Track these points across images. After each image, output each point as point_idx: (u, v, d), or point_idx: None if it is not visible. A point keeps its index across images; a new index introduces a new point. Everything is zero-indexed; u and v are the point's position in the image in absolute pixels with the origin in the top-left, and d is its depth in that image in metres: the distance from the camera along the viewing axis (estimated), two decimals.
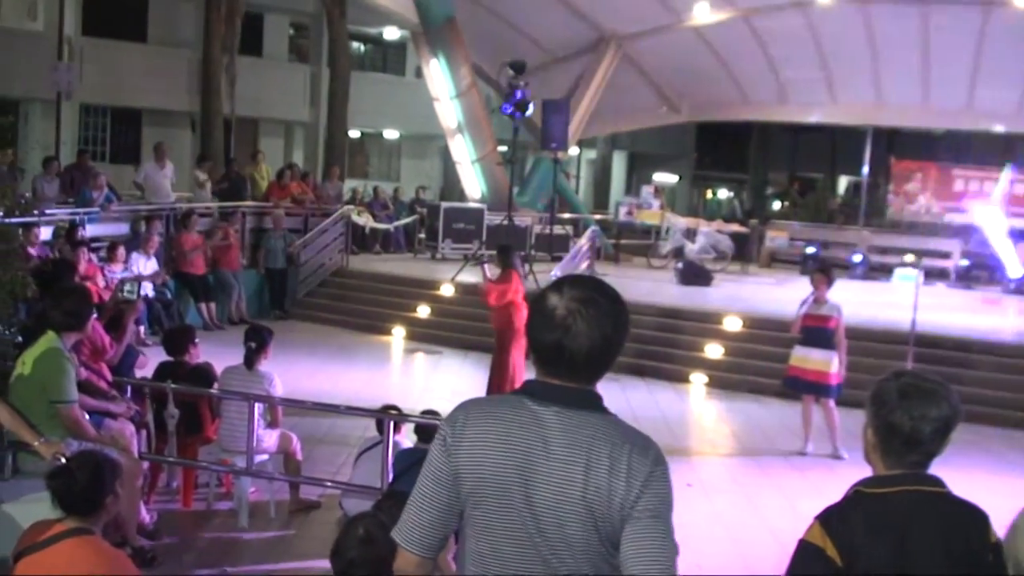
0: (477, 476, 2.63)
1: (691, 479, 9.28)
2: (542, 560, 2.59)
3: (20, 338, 6.41)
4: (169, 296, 14.80)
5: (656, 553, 2.54)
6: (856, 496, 2.87)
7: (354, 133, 30.61)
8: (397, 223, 21.52)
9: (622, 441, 2.60)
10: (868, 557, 2.72)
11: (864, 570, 2.72)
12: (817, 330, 9.99)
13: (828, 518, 2.82)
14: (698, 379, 13.73)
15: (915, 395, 2.81)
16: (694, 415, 12.60)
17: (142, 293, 9.23)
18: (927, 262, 21.14)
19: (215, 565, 6.64)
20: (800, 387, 10.24)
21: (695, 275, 18.69)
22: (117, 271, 13.31)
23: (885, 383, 2.90)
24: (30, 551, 3.99)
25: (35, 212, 11.30)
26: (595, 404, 2.66)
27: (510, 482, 2.59)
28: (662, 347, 14.31)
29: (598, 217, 24.65)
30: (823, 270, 10.59)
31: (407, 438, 7.29)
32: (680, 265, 19.29)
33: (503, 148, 22.83)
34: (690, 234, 21.63)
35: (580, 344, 2.59)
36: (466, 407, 2.74)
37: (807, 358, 10.04)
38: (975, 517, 2.84)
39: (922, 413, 2.79)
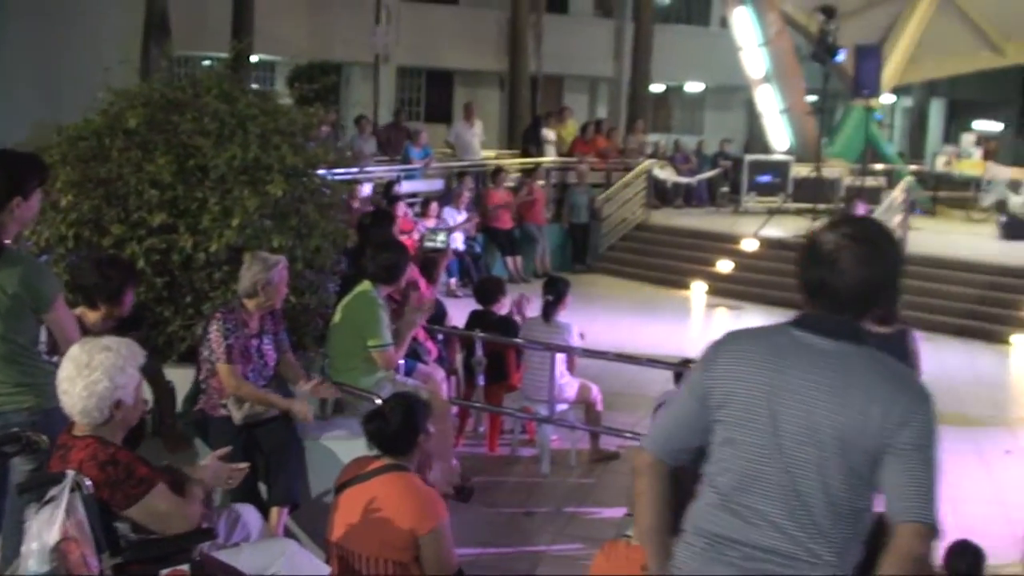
0: (728, 390, 2.72)
1: (1010, 446, 8.74)
2: (786, 473, 2.62)
3: (340, 287, 6.85)
4: (478, 250, 15.37)
5: (919, 484, 2.55)
6: None
7: (658, 87, 30.47)
8: (699, 176, 21.29)
9: (883, 372, 2.62)
10: None
11: None
12: None
13: None
14: (1021, 340, 12.82)
15: None
16: (1016, 379, 11.81)
17: (451, 244, 9.64)
18: None
19: (519, 506, 6.90)
20: None
21: (1019, 229, 17.37)
22: (430, 225, 13.93)
23: None
24: (352, 483, 4.27)
25: (356, 169, 11.97)
26: (859, 336, 2.68)
27: (759, 398, 2.66)
28: (982, 306, 13.47)
29: (914, 168, 23.37)
30: None
31: None
32: (1003, 219, 18.03)
33: (811, 97, 22.07)
34: (1015, 186, 20.13)
35: (845, 280, 2.63)
36: (732, 333, 2.87)
37: None
38: None
39: None
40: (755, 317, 14.17)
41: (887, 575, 2.56)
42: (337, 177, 8.02)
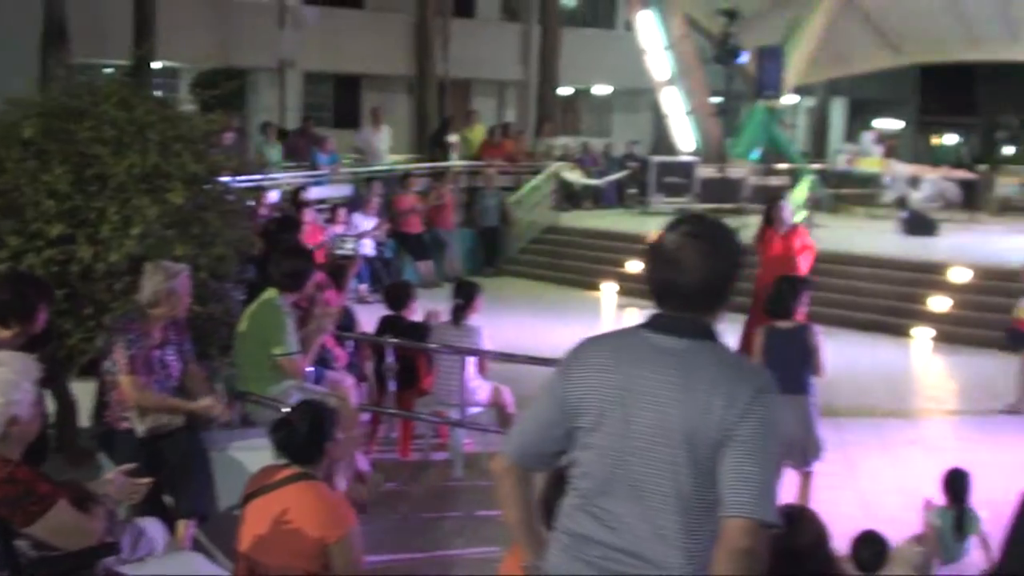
0: (583, 396, 2.75)
1: (912, 437, 8.97)
2: (640, 474, 2.67)
3: (246, 295, 6.77)
4: (388, 255, 15.30)
5: (750, 479, 2.58)
6: None
7: (567, 90, 30.65)
8: (608, 178, 21.47)
9: (727, 367, 2.68)
10: None
11: None
12: None
13: None
14: (923, 333, 13.16)
15: None
16: (918, 371, 12.12)
17: (360, 252, 9.63)
18: None
19: (431, 512, 6.88)
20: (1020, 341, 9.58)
21: (920, 225, 17.87)
22: (339, 232, 13.83)
23: None
24: (260, 493, 4.22)
25: (262, 175, 11.86)
26: (706, 333, 2.74)
27: (613, 402, 2.70)
28: (884, 300, 13.81)
29: (816, 166, 23.86)
30: None
31: None
32: (904, 215, 18.50)
33: (716, 99, 22.41)
34: (914, 182, 20.69)
35: (688, 278, 2.70)
36: (588, 339, 2.90)
37: None
38: None
39: None
40: None
41: (716, 572, 2.60)
42: (242, 184, 7.95)
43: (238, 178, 7.61)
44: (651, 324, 2.79)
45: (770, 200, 10.99)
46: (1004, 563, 2.74)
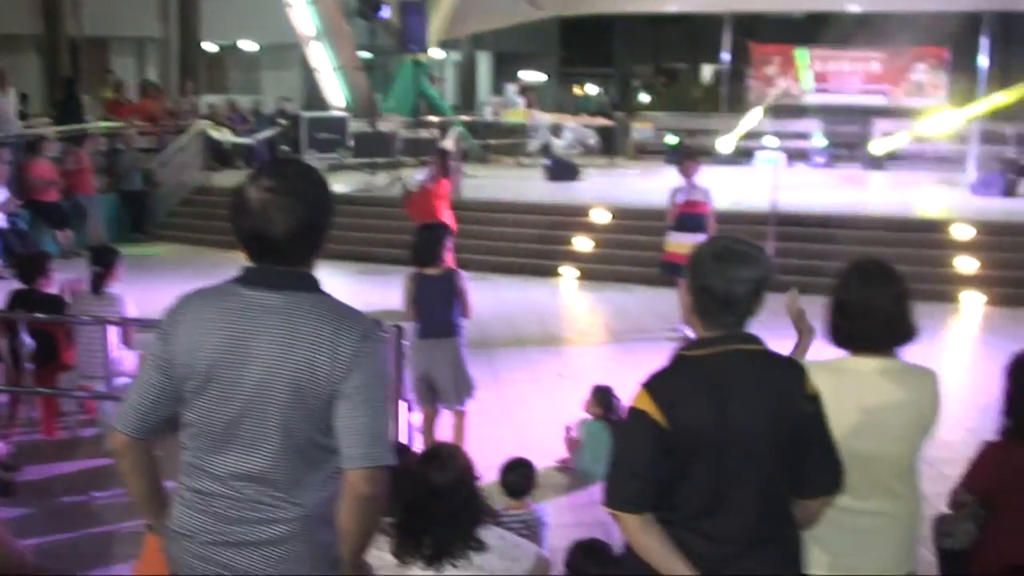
0: (186, 358, 2.71)
1: (563, 369, 9.42)
2: (248, 428, 2.69)
3: None
4: (23, 226, 14.29)
5: (364, 430, 2.67)
6: (679, 359, 2.93)
7: (213, 47, 29.68)
8: (258, 136, 21.02)
9: (330, 317, 2.70)
10: (692, 416, 2.78)
11: (688, 429, 2.78)
12: (691, 216, 10.09)
13: (652, 383, 2.88)
14: (569, 272, 13.88)
15: (728, 258, 2.85)
16: (566, 308, 12.75)
17: None
18: (788, 144, 21.56)
19: (84, 491, 6.55)
20: (677, 272, 10.20)
21: (563, 171, 18.74)
22: None
23: (700, 248, 2.95)
24: None
25: None
26: (306, 284, 2.76)
27: (216, 362, 2.68)
28: (532, 243, 14.40)
29: (465, 119, 24.45)
30: (692, 157, 10.71)
31: None
32: (547, 162, 19.32)
33: (366, 55, 22.38)
34: (556, 131, 21.64)
35: (277, 230, 2.66)
36: (185, 297, 2.82)
37: (683, 243, 10.05)
38: (792, 370, 2.92)
39: (735, 275, 2.82)
40: (323, 272, 14.25)
41: (344, 523, 2.73)
42: None
43: None
44: (246, 279, 2.75)
45: (440, 159, 11.42)
46: (611, 483, 2.90)
